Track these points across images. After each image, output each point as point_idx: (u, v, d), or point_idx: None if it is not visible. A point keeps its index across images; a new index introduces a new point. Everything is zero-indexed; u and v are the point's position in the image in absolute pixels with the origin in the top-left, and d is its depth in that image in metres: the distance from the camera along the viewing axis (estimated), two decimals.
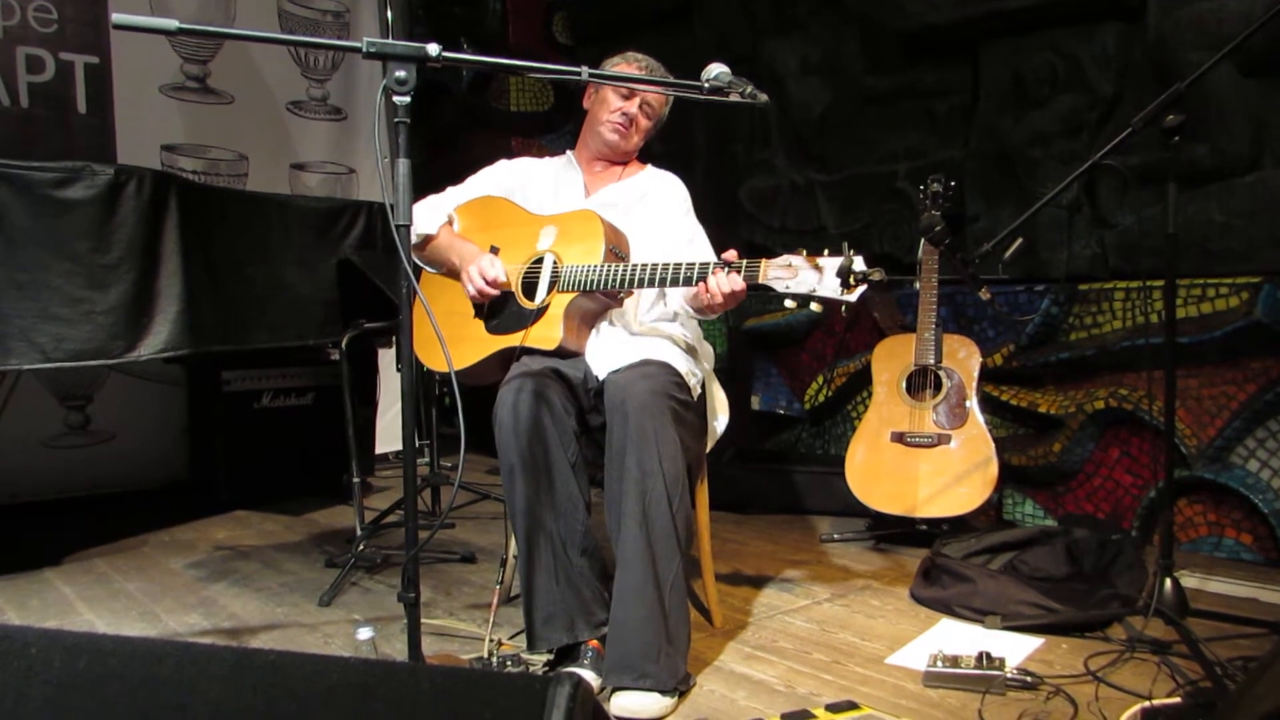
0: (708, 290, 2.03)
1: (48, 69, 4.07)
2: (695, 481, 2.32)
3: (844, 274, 1.88)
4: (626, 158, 2.56)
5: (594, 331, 2.31)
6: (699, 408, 2.27)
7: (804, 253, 1.94)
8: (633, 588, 2.00)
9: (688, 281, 2.08)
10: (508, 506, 2.15)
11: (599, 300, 2.29)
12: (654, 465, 2.01)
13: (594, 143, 2.51)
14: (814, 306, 1.95)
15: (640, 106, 2.46)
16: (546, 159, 2.63)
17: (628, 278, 2.14)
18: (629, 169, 2.58)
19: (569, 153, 2.61)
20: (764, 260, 1.99)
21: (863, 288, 1.89)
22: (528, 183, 2.53)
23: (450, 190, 2.53)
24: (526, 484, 2.08)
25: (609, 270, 2.16)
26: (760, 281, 1.99)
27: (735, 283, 2.01)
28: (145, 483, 4.32)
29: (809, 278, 1.92)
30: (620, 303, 2.34)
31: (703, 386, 2.33)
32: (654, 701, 1.94)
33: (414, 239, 2.38)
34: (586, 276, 2.18)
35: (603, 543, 2.16)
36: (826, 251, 1.93)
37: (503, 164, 2.60)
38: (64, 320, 2.77)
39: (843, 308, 1.93)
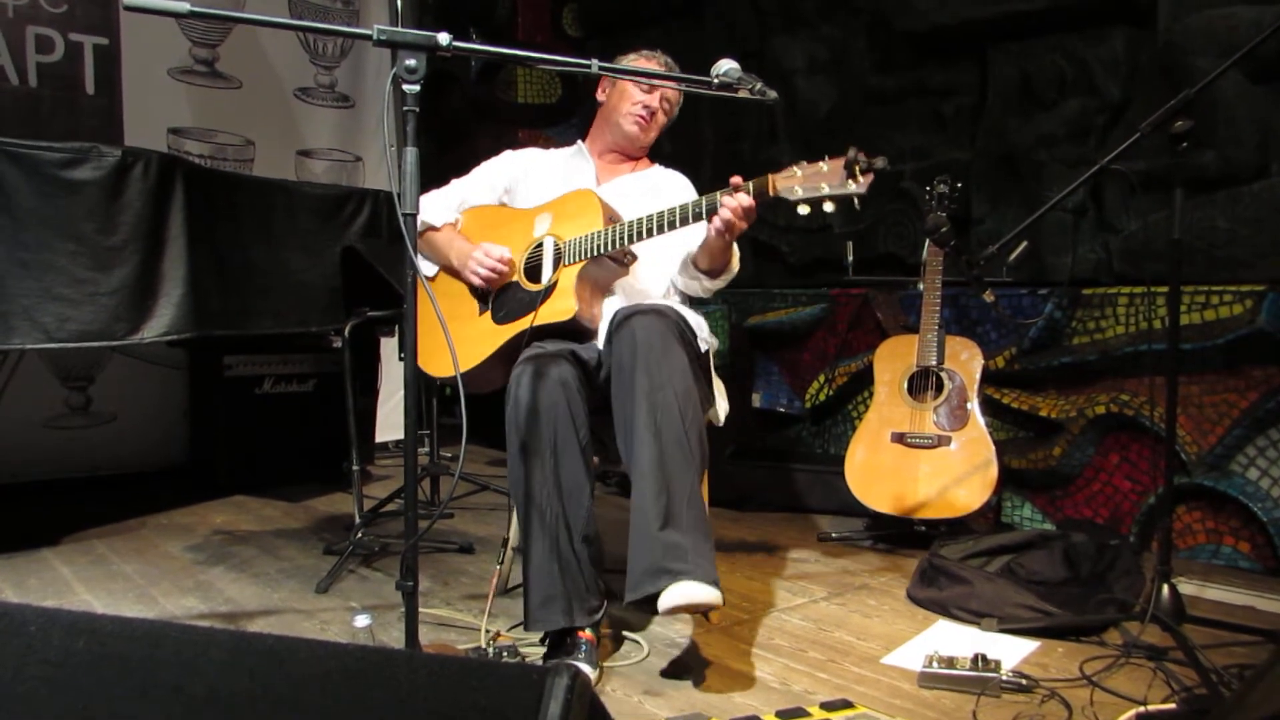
0: (720, 220, 2.07)
1: (57, 49, 4.07)
2: None
3: (850, 167, 1.92)
4: (641, 152, 2.58)
5: (604, 318, 2.31)
6: (705, 365, 2.28)
7: (803, 162, 2.00)
8: (650, 498, 1.96)
9: (697, 218, 2.11)
10: (513, 486, 2.14)
11: (608, 267, 2.30)
12: (664, 379, 2.01)
13: (611, 134, 2.53)
14: (828, 208, 1.98)
15: (660, 101, 2.49)
16: (554, 150, 2.63)
17: (634, 231, 2.16)
18: (640, 164, 2.60)
19: (579, 143, 2.61)
20: (769, 175, 2.04)
21: (870, 177, 1.93)
22: (533, 172, 2.54)
23: (455, 183, 2.54)
24: (536, 464, 2.08)
25: (613, 231, 2.18)
26: (771, 194, 2.03)
27: (744, 200, 2.05)
28: (145, 465, 4.33)
29: (816, 180, 1.97)
30: (628, 268, 2.34)
31: (709, 361, 2.35)
32: (702, 589, 1.87)
33: (419, 228, 2.39)
34: (592, 243, 2.20)
35: (600, 530, 2.17)
36: (827, 156, 1.98)
37: (507, 154, 2.60)
38: (68, 300, 2.78)
39: (855, 200, 1.96)
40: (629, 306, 2.17)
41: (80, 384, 4.19)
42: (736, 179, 2.10)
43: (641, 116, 2.47)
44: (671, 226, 2.14)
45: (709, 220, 2.12)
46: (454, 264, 2.37)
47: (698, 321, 2.33)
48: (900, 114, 4.12)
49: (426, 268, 2.51)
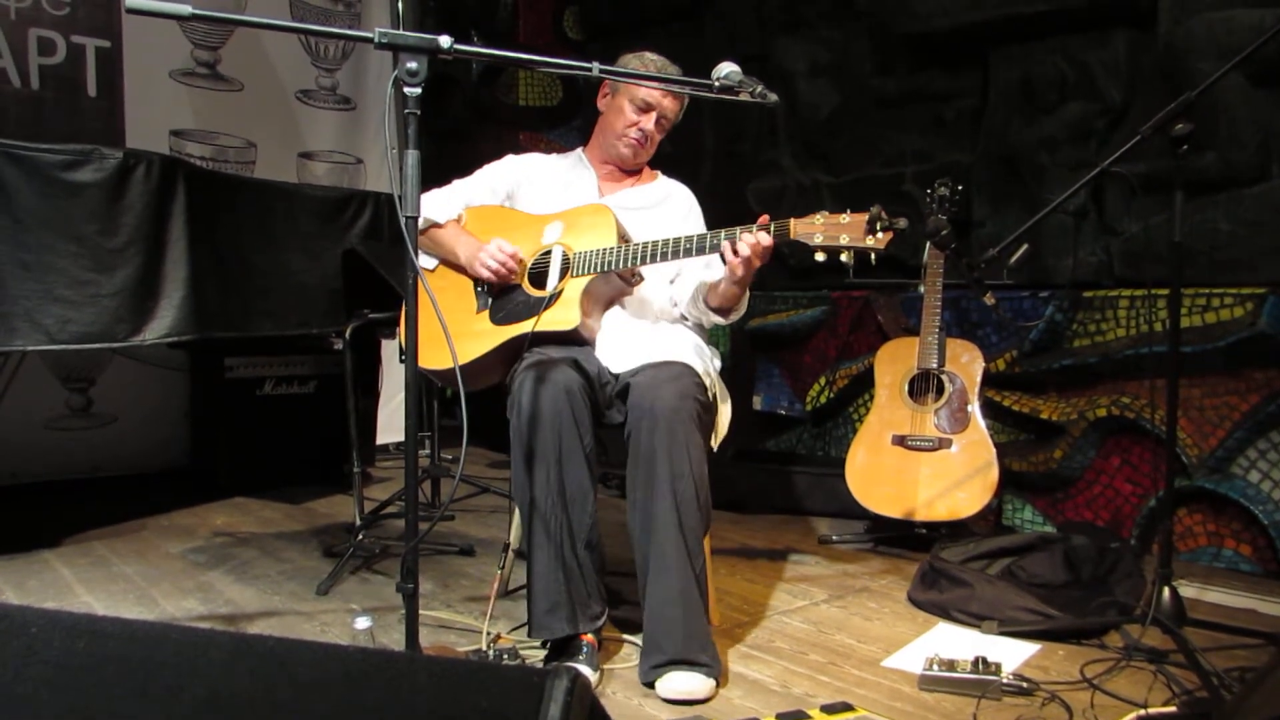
0: (736, 255, 2.08)
1: (59, 51, 4.08)
2: None
3: (872, 223, 1.95)
4: (639, 168, 2.56)
5: (602, 329, 2.31)
6: (713, 405, 2.28)
7: (825, 213, 2.02)
8: (676, 587, 2.03)
9: (714, 249, 2.12)
10: (517, 493, 2.14)
11: (614, 284, 2.30)
12: (685, 469, 2.04)
13: (607, 150, 2.50)
14: (844, 258, 2.00)
15: (656, 121, 2.43)
16: (555, 156, 2.62)
17: (647, 253, 2.16)
18: (643, 177, 2.58)
19: (579, 150, 2.60)
20: (791, 219, 2.05)
21: (890, 235, 1.96)
22: (534, 178, 2.53)
23: (457, 183, 2.53)
24: (540, 471, 2.08)
25: (626, 250, 2.18)
26: (790, 238, 2.05)
27: (764, 239, 2.06)
28: (146, 467, 4.33)
29: (836, 232, 2.00)
30: (633, 288, 2.34)
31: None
32: (702, 683, 1.99)
33: (422, 224, 2.39)
34: (603, 259, 2.19)
35: (602, 533, 2.17)
36: (849, 210, 2.00)
37: (510, 159, 2.60)
38: (69, 302, 2.78)
39: (871, 256, 1.99)
40: (644, 369, 2.15)
41: (81, 385, 4.19)
42: (764, 218, 2.10)
43: (636, 140, 2.44)
44: (687, 254, 2.15)
45: (723, 256, 2.12)
46: (461, 258, 2.35)
47: (707, 356, 2.31)
48: (902, 117, 4.12)
49: (426, 262, 2.49)
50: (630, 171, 2.55)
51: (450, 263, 2.42)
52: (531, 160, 2.59)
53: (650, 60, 2.42)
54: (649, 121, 2.42)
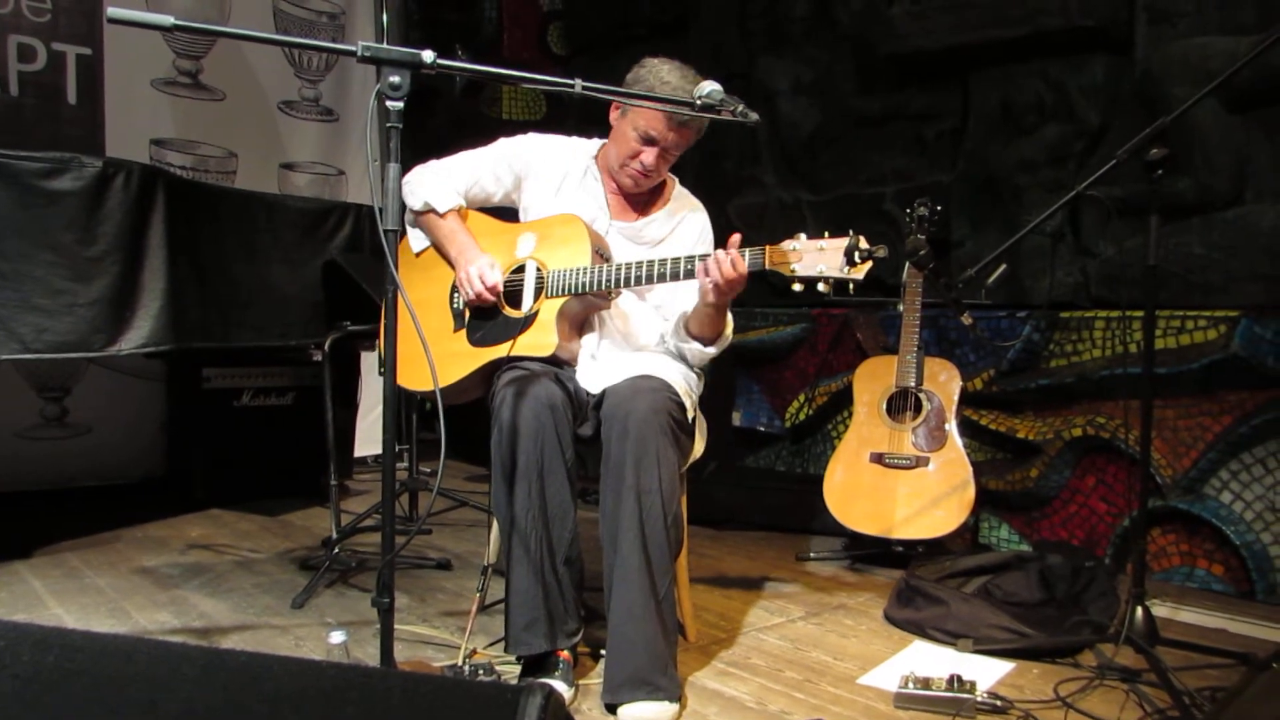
0: (706, 274, 2.04)
1: (39, 58, 4.05)
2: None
3: (850, 253, 1.93)
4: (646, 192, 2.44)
5: (591, 357, 2.29)
6: (690, 427, 2.26)
7: (802, 237, 1.99)
8: (637, 604, 2.00)
9: (688, 275, 2.09)
10: (497, 508, 2.13)
11: (589, 302, 2.27)
12: (653, 483, 2.02)
13: (613, 172, 2.37)
14: (821, 288, 1.98)
15: (660, 154, 2.27)
16: (568, 152, 2.44)
17: (622, 277, 2.14)
18: (655, 202, 2.45)
19: (593, 155, 2.44)
20: (768, 246, 2.02)
21: (868, 265, 1.94)
22: (542, 173, 2.41)
23: (465, 157, 2.41)
24: (521, 487, 2.07)
25: (601, 272, 2.15)
26: (767, 267, 2.02)
27: (740, 266, 2.02)
28: (121, 478, 4.28)
29: (815, 259, 1.97)
30: (610, 302, 2.31)
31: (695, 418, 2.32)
32: (665, 709, 1.97)
33: (419, 205, 2.33)
34: (576, 279, 2.17)
35: (582, 548, 2.17)
36: (827, 234, 1.98)
37: (528, 143, 2.43)
38: (45, 311, 2.76)
39: (850, 286, 1.97)
40: (621, 382, 2.13)
41: (56, 395, 4.15)
42: (736, 236, 2.07)
43: (637, 172, 2.29)
44: (662, 279, 2.12)
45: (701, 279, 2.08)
46: (452, 257, 2.30)
47: (692, 381, 2.29)
48: (883, 136, 4.16)
49: (417, 243, 2.44)
50: (639, 197, 2.43)
51: (444, 255, 2.36)
52: (545, 152, 2.43)
53: (665, 77, 2.25)
54: (650, 156, 2.26)
